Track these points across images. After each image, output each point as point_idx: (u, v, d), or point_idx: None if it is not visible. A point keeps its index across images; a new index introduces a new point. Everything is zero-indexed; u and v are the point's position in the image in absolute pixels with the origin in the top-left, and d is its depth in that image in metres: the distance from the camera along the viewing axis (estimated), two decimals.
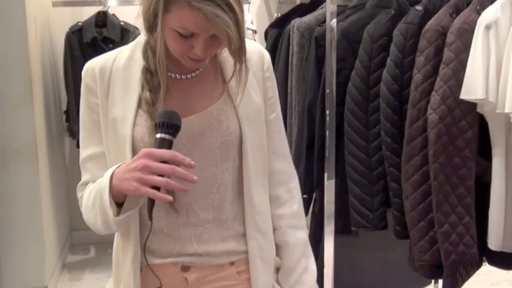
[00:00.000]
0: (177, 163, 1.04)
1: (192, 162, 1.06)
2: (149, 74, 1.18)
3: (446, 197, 1.82)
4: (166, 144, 1.08)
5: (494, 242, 1.84)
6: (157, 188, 1.04)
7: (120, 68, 1.21)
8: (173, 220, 1.22)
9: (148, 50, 1.19)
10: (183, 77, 1.21)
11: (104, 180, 1.13)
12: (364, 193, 2.02)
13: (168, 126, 1.08)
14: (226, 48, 1.16)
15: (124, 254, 1.24)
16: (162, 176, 1.04)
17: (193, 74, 1.22)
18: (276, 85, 1.33)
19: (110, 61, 1.22)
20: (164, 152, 1.05)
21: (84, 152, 1.24)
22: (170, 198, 1.05)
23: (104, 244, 4.01)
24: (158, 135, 1.08)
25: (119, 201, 1.14)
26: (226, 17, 1.04)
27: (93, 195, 1.17)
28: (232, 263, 1.26)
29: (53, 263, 3.48)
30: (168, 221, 1.23)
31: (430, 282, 2.51)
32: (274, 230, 1.32)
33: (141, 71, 1.19)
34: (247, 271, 1.27)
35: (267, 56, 1.30)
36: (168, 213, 1.22)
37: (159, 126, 1.08)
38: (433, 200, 1.83)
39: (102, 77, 1.20)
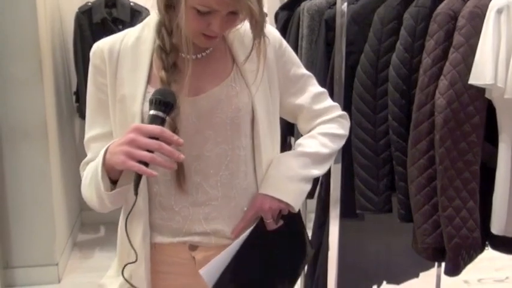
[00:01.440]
0: (165, 140, 1.05)
1: (181, 140, 1.06)
2: (164, 53, 1.19)
3: (451, 181, 1.83)
4: (159, 121, 1.08)
5: (497, 226, 1.85)
6: (145, 164, 1.05)
7: (128, 47, 1.23)
8: (182, 198, 1.25)
9: (163, 29, 1.20)
10: (194, 57, 1.22)
11: (99, 156, 1.14)
12: (370, 176, 2.03)
13: (161, 104, 1.09)
14: (234, 28, 1.18)
15: (133, 232, 1.25)
16: (150, 151, 1.05)
17: (203, 54, 1.24)
18: (293, 58, 1.35)
19: (118, 41, 1.24)
20: (153, 128, 1.06)
21: (89, 132, 1.26)
22: (155, 173, 1.05)
23: (114, 224, 4.03)
24: (151, 112, 1.09)
25: (114, 177, 1.15)
26: None
27: (90, 172, 1.19)
28: None
29: (63, 241, 3.53)
30: (178, 198, 1.25)
31: (434, 266, 2.54)
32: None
33: (156, 51, 1.20)
34: None
35: (277, 35, 1.32)
36: (177, 191, 1.24)
37: (153, 103, 1.10)
38: (438, 184, 1.84)
39: (111, 57, 1.22)
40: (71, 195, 3.78)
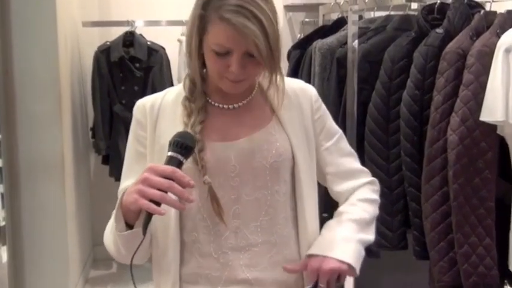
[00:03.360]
0: (177, 180, 1.05)
1: (192, 182, 1.07)
2: (187, 101, 1.23)
3: (467, 218, 1.82)
4: (176, 163, 1.08)
5: None
6: (157, 204, 1.05)
7: (169, 102, 1.26)
8: (221, 243, 1.22)
9: (187, 79, 1.24)
10: (230, 106, 1.25)
11: (119, 199, 1.15)
12: (385, 213, 2.02)
13: (179, 146, 1.09)
14: (269, 87, 1.23)
15: (162, 284, 1.24)
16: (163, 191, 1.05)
17: (240, 104, 1.25)
18: (328, 114, 1.35)
19: (159, 97, 1.28)
20: (165, 168, 1.06)
21: (124, 182, 1.27)
22: (163, 211, 1.05)
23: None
24: (169, 154, 1.09)
25: (132, 221, 1.14)
26: (254, 28, 1.08)
27: (111, 218, 1.19)
28: None
29: (76, 278, 3.52)
30: (216, 244, 1.22)
31: None
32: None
33: (182, 101, 1.24)
34: None
35: (314, 90, 1.34)
36: (216, 236, 1.22)
37: (171, 145, 1.10)
38: (453, 220, 1.83)
39: (152, 111, 1.25)
40: (84, 230, 3.79)
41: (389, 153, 2.01)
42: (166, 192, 1.05)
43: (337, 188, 1.33)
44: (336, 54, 2.19)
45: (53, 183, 3.26)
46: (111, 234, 1.18)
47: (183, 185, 1.06)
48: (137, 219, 1.13)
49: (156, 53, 3.56)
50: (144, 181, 1.06)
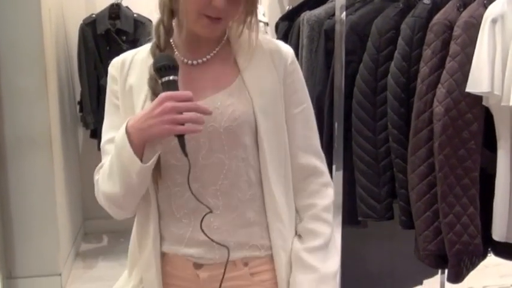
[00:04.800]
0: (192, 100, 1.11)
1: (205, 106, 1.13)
2: (158, 50, 1.22)
3: (451, 188, 1.85)
4: (175, 84, 1.13)
5: (498, 232, 1.87)
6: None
7: (139, 60, 1.28)
8: (182, 204, 1.24)
9: (161, 27, 1.22)
10: (194, 62, 1.24)
11: (119, 140, 1.16)
12: (371, 184, 2.05)
13: (171, 68, 1.13)
14: (240, 35, 1.22)
15: (143, 236, 1.26)
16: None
17: (204, 59, 1.24)
18: (302, 80, 1.31)
19: (131, 54, 1.31)
20: (182, 94, 1.11)
21: (104, 136, 1.29)
22: (200, 127, 1.11)
23: (117, 233, 4.07)
24: (165, 79, 1.13)
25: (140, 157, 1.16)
26: None
27: (108, 164, 1.21)
28: (245, 264, 1.25)
29: (66, 251, 3.54)
30: (177, 204, 1.24)
31: (437, 273, 2.54)
32: (298, 221, 1.28)
33: (151, 49, 1.23)
34: (261, 273, 1.26)
35: (291, 51, 1.30)
36: (176, 197, 1.24)
37: (163, 70, 1.13)
38: (438, 191, 1.86)
39: (123, 66, 1.28)
40: (74, 204, 3.80)
41: (376, 125, 2.03)
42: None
43: (300, 161, 1.28)
44: (324, 26, 2.19)
45: (41, 158, 3.26)
46: (116, 176, 1.19)
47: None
48: (143, 154, 1.16)
49: (142, 25, 3.53)
50: (172, 110, 1.09)
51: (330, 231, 1.28)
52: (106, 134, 1.29)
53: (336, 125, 2.08)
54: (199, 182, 1.22)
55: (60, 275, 3.31)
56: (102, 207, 1.29)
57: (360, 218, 2.11)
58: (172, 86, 1.12)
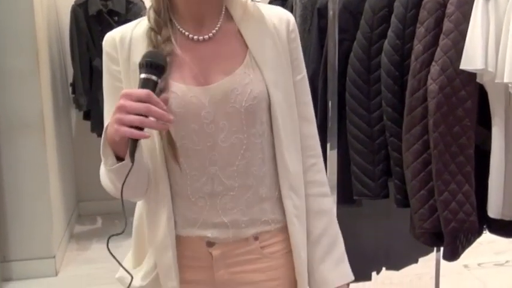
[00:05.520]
0: (153, 103, 1.04)
1: (165, 107, 1.06)
2: (153, 32, 1.19)
3: (446, 165, 1.85)
4: (151, 84, 1.07)
5: (493, 209, 1.87)
6: (140, 129, 1.04)
7: (139, 34, 1.21)
8: (198, 188, 1.22)
9: (151, 10, 1.20)
10: (200, 38, 1.21)
11: (103, 134, 1.13)
12: (366, 162, 2.05)
13: (152, 66, 1.07)
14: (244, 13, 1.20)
15: (155, 219, 1.23)
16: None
17: (210, 35, 1.21)
18: (300, 47, 1.31)
19: (129, 29, 1.23)
20: (139, 92, 1.05)
21: (108, 119, 1.21)
22: (147, 134, 1.05)
23: (111, 215, 4.08)
24: (142, 76, 1.07)
25: (122, 154, 1.12)
26: None
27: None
28: (256, 238, 1.25)
29: (60, 234, 3.55)
30: (193, 188, 1.22)
31: (433, 251, 2.56)
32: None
33: (146, 33, 1.20)
34: (271, 246, 1.27)
35: (292, 18, 1.29)
36: (192, 181, 1.22)
37: (144, 66, 1.08)
38: (433, 168, 1.86)
39: (122, 45, 1.21)
40: (68, 186, 3.79)
41: (370, 103, 2.02)
42: (146, 116, 1.04)
43: (301, 129, 1.29)
44: (317, 4, 2.17)
45: (33, 140, 3.25)
46: (105, 176, 1.17)
47: (159, 107, 1.05)
48: (127, 151, 1.11)
49: (134, 6, 3.50)
50: (121, 108, 1.04)
51: (330, 204, 1.34)
52: (108, 116, 1.20)
53: (330, 104, 2.07)
54: (217, 165, 1.21)
55: (54, 257, 3.32)
56: (96, 189, 1.28)
57: (354, 197, 2.11)
58: (147, 85, 1.06)
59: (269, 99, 1.21)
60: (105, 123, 1.21)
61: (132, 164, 1.08)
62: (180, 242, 1.25)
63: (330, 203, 1.34)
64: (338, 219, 2.10)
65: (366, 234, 2.49)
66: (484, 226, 2.05)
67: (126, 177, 1.10)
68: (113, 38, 1.22)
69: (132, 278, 1.21)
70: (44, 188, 3.31)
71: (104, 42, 1.24)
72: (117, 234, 1.15)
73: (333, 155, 2.09)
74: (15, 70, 3.16)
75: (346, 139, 2.10)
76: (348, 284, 1.32)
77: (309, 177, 1.29)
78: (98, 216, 4.05)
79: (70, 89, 3.86)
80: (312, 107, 1.32)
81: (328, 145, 2.09)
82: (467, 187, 1.87)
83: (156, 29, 1.19)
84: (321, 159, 1.33)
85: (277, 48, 1.24)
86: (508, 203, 1.86)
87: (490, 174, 1.86)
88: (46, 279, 3.26)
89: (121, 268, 1.26)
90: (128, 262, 1.33)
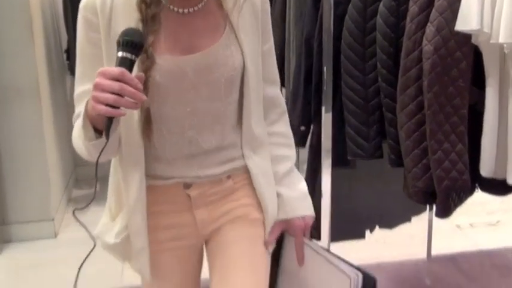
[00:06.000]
0: (127, 82, 1.06)
1: (140, 84, 1.08)
2: (144, 4, 1.20)
3: (440, 125, 1.88)
4: (128, 63, 1.08)
5: (486, 168, 1.90)
6: (116, 107, 1.07)
7: (120, 2, 1.22)
8: (176, 150, 1.29)
9: None
10: (185, 11, 1.24)
11: (84, 106, 1.16)
12: (361, 123, 2.07)
13: (129, 45, 1.08)
14: None
15: (129, 182, 1.29)
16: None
17: (195, 8, 1.25)
18: (269, 16, 1.37)
19: None
20: (112, 70, 1.06)
21: (80, 87, 1.27)
22: (123, 112, 1.08)
23: (108, 179, 4.10)
24: (119, 54, 1.08)
25: (100, 127, 1.16)
26: None
27: (77, 123, 1.21)
28: (228, 177, 1.35)
29: (58, 197, 3.58)
30: (172, 151, 1.29)
31: (425, 210, 2.61)
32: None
33: (136, 3, 1.21)
34: (243, 180, 1.37)
35: None
36: (171, 144, 1.28)
37: (121, 45, 1.08)
38: (427, 128, 1.89)
39: (103, 11, 1.21)
40: (65, 151, 3.81)
41: (365, 65, 2.04)
42: (123, 96, 1.06)
43: (265, 92, 1.38)
44: None
45: (29, 107, 3.26)
46: (79, 139, 1.20)
47: (132, 86, 1.07)
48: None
49: None
50: (97, 86, 1.07)
51: (295, 154, 1.45)
52: (81, 84, 1.26)
53: (325, 68, 2.08)
54: (195, 129, 1.28)
55: (53, 220, 3.36)
56: None
57: (349, 157, 2.14)
58: (124, 63, 1.08)
59: (244, 67, 1.28)
60: (76, 89, 1.27)
61: (107, 141, 1.13)
62: (153, 189, 1.31)
63: (294, 154, 1.44)
64: (333, 182, 2.15)
65: (360, 195, 2.53)
66: (476, 185, 2.09)
67: (101, 152, 1.15)
68: (92, 2, 1.21)
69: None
70: (41, 153, 3.32)
71: (82, 8, 1.23)
72: (82, 209, 1.22)
73: (327, 118, 2.11)
74: (9, 38, 3.14)
75: (341, 101, 2.12)
76: (312, 218, 1.42)
77: (275, 128, 1.41)
78: (96, 181, 4.06)
79: (64, 55, 3.84)
80: (276, 69, 1.42)
81: (323, 108, 2.11)
82: (460, 146, 1.91)
83: (147, 2, 1.20)
84: (287, 114, 1.45)
85: (254, 19, 1.30)
86: (500, 162, 1.90)
87: (483, 134, 1.89)
88: (45, 241, 3.30)
89: (99, 225, 1.39)
90: (105, 216, 1.41)
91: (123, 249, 1.34)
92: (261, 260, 1.37)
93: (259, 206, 1.37)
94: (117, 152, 1.28)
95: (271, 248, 1.41)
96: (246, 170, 1.37)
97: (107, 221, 1.40)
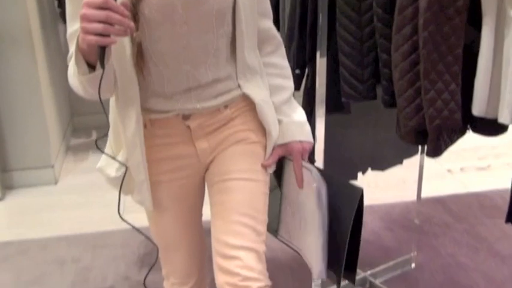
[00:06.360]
0: (113, 9, 1.08)
1: (126, 12, 1.10)
2: None
3: (434, 65, 1.88)
4: None
5: (478, 107, 1.91)
6: (107, 36, 1.09)
7: None
8: (174, 85, 1.32)
9: None
10: None
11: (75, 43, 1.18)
12: (355, 65, 2.07)
13: None
14: None
15: (126, 118, 1.32)
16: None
17: None
18: None
19: None
20: (93, 1, 1.08)
21: (71, 27, 1.28)
22: (114, 39, 1.10)
23: (106, 128, 4.11)
24: None
25: (93, 61, 1.18)
26: None
27: (72, 60, 1.23)
28: (226, 106, 1.39)
29: (57, 146, 3.61)
30: (169, 86, 1.32)
31: (417, 153, 2.64)
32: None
33: None
34: (240, 108, 1.41)
35: None
36: (169, 80, 1.31)
37: None
38: (421, 68, 1.89)
39: None
40: (62, 100, 3.82)
41: (361, 4, 2.02)
42: (111, 24, 1.08)
43: (260, 24, 1.42)
44: None
45: (23, 56, 3.24)
46: (74, 76, 1.22)
47: (118, 14, 1.09)
48: (97, 58, 1.17)
49: None
50: (83, 18, 1.08)
51: (292, 85, 1.52)
52: (73, 23, 1.26)
53: (321, 16, 2.06)
54: (190, 63, 1.30)
55: (52, 167, 3.40)
56: (90, 103, 1.36)
57: (343, 99, 2.15)
58: None
59: (235, 2, 1.30)
60: (68, 29, 1.29)
61: (103, 70, 1.14)
62: (156, 124, 1.35)
63: (291, 85, 1.51)
64: (327, 128, 2.16)
65: (353, 139, 2.56)
66: (468, 126, 2.11)
67: (100, 83, 1.17)
68: None
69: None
70: (38, 103, 3.33)
71: None
72: (102, 137, 1.34)
73: (322, 62, 2.11)
74: None
75: (335, 43, 2.11)
76: (311, 144, 1.51)
77: (271, 59, 1.47)
78: (93, 130, 4.10)
79: (56, 2, 3.79)
80: (269, 3, 1.46)
81: (318, 53, 2.11)
82: (453, 86, 1.91)
83: None
84: (283, 46, 1.51)
85: None
86: (492, 102, 1.90)
87: (477, 73, 1.89)
88: (46, 187, 3.36)
89: (101, 159, 1.43)
90: (107, 150, 1.46)
91: (124, 182, 1.37)
92: (260, 172, 1.42)
93: (258, 131, 1.42)
94: (113, 90, 1.30)
95: (270, 170, 1.44)
96: (242, 99, 1.41)
97: (107, 158, 1.43)
